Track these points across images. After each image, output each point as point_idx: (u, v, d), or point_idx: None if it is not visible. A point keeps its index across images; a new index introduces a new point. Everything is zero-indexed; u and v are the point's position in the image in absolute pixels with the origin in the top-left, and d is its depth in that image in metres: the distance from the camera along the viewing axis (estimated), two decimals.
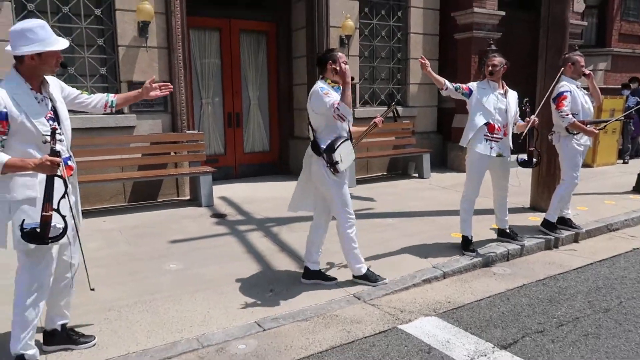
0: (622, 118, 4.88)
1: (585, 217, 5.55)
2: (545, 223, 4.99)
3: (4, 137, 2.40)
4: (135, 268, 4.13)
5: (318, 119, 3.56)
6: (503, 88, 4.38)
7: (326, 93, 3.46)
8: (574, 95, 4.69)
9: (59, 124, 2.56)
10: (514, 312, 3.44)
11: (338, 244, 3.85)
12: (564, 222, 5.04)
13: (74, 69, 6.25)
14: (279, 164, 8.84)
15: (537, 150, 4.65)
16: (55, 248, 2.60)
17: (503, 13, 8.77)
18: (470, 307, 3.52)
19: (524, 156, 4.56)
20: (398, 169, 8.95)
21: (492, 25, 8.77)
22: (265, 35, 8.47)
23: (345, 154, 3.53)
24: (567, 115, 4.61)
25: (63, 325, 2.88)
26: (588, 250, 4.78)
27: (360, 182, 7.88)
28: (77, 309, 3.33)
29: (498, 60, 4.29)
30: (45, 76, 2.61)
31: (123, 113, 6.46)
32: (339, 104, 3.36)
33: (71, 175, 2.68)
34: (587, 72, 4.73)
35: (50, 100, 2.59)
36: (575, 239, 5.01)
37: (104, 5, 6.34)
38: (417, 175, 8.49)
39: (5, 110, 2.37)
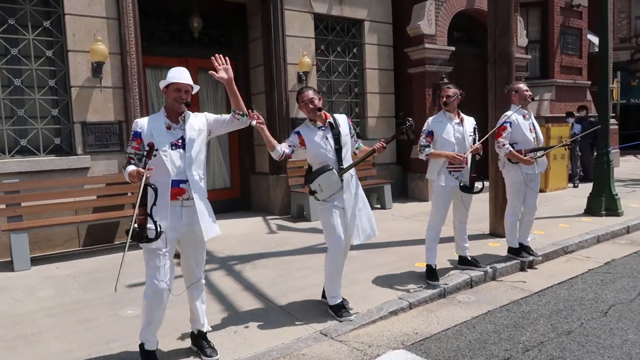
0: (562, 145, 5.10)
1: (541, 241, 5.71)
2: (509, 250, 5.13)
3: (139, 153, 2.95)
4: (88, 316, 3.91)
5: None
6: (459, 117, 4.52)
7: (290, 136, 3.81)
8: (516, 126, 4.82)
9: (185, 150, 2.99)
10: (480, 340, 3.44)
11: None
12: (523, 249, 5.14)
13: (24, 111, 6.05)
14: (240, 200, 8.73)
15: (478, 176, 4.58)
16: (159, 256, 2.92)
17: (453, 48, 9.19)
18: (438, 337, 3.51)
19: (467, 181, 4.62)
20: None
21: (443, 60, 9.15)
22: None
23: (326, 184, 3.65)
24: (504, 145, 4.77)
25: (199, 331, 3.26)
26: (547, 273, 4.89)
27: None
28: None
29: (452, 91, 4.44)
30: (187, 111, 3.09)
31: (76, 154, 6.27)
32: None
33: (178, 199, 2.97)
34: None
35: (184, 130, 3.03)
36: (530, 265, 5.09)
37: (56, 46, 6.23)
38: (379, 206, 8.56)
39: (139, 130, 2.96)
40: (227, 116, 3.21)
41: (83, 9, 6.21)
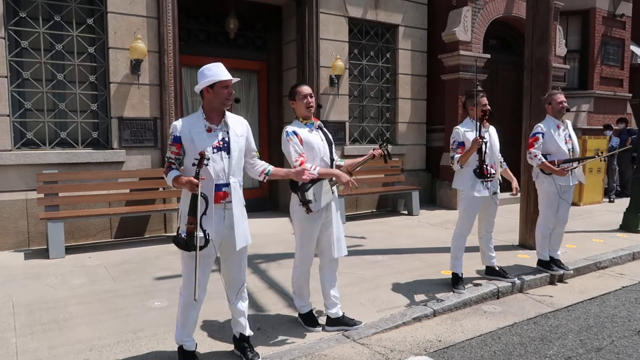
0: (596, 157, 4.95)
1: (574, 255, 5.56)
2: (539, 262, 5.02)
3: (179, 157, 2.91)
4: (118, 305, 4.02)
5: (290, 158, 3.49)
6: (485, 126, 4.45)
7: (289, 140, 3.40)
8: (549, 136, 4.72)
9: (228, 153, 2.91)
10: (505, 351, 3.37)
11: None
12: (553, 262, 5.01)
13: (65, 105, 6.27)
14: (268, 200, 8.81)
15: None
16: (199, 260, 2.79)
17: (488, 56, 9.04)
18: (461, 346, 3.46)
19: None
20: (387, 206, 8.96)
21: (478, 67, 9.02)
22: (257, 74, 8.62)
23: (319, 193, 3.42)
24: (536, 156, 4.69)
25: (241, 335, 3.15)
26: (578, 287, 4.76)
27: (349, 218, 7.86)
28: (55, 350, 3.22)
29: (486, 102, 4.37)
30: (227, 112, 2.98)
31: (112, 148, 6.46)
32: (300, 170, 3.27)
33: (221, 203, 2.90)
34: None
35: (227, 132, 2.94)
36: (560, 278, 4.96)
37: (97, 43, 6.44)
38: (406, 212, 8.49)
39: (179, 135, 2.86)
40: (255, 159, 3.20)
41: (125, 7, 6.41)
